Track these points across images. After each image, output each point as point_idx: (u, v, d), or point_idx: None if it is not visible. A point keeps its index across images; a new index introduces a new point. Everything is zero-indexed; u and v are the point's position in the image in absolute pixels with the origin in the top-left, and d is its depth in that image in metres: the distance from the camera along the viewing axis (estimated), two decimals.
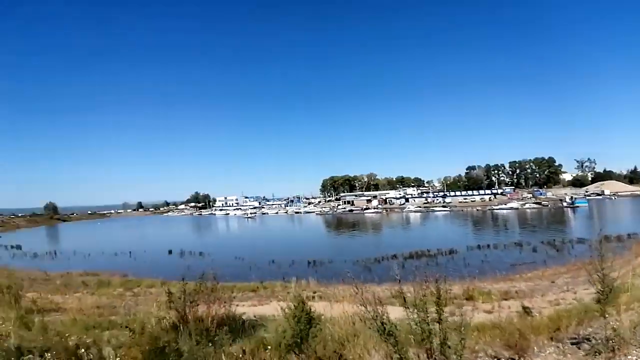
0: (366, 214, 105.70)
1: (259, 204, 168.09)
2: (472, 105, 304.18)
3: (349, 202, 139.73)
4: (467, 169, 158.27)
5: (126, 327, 5.73)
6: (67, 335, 5.49)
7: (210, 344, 4.86)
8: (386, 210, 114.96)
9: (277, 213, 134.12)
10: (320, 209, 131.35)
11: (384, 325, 3.35)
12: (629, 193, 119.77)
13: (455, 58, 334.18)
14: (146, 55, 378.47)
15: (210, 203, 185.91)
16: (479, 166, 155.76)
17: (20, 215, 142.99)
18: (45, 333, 5.45)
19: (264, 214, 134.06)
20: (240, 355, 4.39)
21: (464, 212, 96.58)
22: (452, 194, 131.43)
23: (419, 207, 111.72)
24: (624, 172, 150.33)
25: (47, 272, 26.19)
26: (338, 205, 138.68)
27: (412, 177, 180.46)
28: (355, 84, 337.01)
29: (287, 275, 22.48)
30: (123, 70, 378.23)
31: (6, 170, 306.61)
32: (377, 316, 3.43)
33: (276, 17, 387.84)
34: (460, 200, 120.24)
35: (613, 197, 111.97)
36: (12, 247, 53.79)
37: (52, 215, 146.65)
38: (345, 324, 5.58)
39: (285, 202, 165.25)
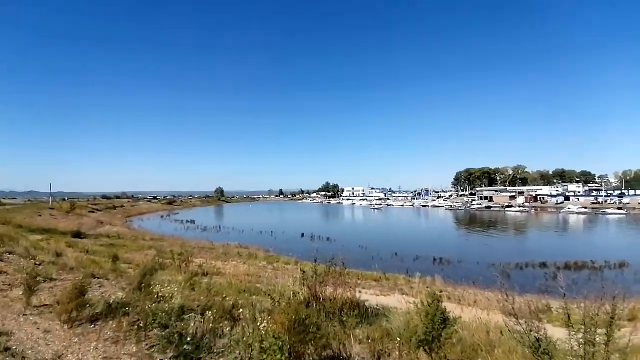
0: (508, 213, 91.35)
1: (385, 196, 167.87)
2: None
3: (486, 198, 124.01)
4: None
5: (269, 295, 6.77)
6: (224, 296, 6.84)
7: (339, 324, 5.23)
8: (535, 210, 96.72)
9: (402, 206, 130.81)
10: (451, 204, 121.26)
11: (539, 342, 2.91)
12: None
13: None
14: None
15: (339, 192, 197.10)
16: None
17: (196, 196, 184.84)
18: (208, 293, 6.87)
19: (389, 205, 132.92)
20: (368, 341, 4.56)
21: None
22: (632, 192, 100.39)
23: (585, 207, 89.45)
24: None
25: (212, 242, 33.14)
26: (472, 200, 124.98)
27: (578, 171, 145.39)
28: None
29: (410, 269, 21.89)
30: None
31: (189, 163, 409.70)
32: (530, 330, 3.02)
33: None
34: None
35: None
36: (187, 221, 65.63)
37: (219, 197, 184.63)
38: (478, 330, 5.09)
39: (412, 194, 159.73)
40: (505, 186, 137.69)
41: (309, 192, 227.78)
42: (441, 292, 14.64)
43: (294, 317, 3.74)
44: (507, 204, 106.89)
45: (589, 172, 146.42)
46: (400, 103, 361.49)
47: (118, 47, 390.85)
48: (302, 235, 45.71)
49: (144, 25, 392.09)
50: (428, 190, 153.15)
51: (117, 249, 19.63)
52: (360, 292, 7.90)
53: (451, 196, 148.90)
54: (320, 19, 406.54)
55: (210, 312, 4.96)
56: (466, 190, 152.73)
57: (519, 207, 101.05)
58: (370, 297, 11.02)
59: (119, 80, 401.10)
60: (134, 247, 23.96)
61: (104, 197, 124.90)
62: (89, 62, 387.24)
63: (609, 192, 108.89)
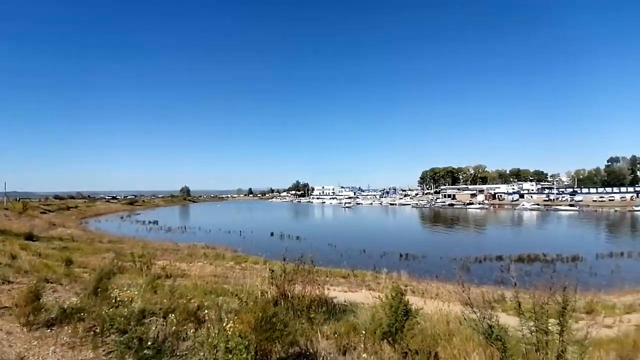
0: (469, 210, 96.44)
1: (354, 194, 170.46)
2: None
3: (449, 196, 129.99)
4: (607, 162, 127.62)
5: (236, 295, 6.65)
6: (189, 298, 6.64)
7: (306, 321, 5.26)
8: (494, 207, 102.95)
9: (371, 204, 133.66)
10: (417, 202, 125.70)
11: (492, 329, 3.10)
12: None
13: None
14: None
15: (309, 191, 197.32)
16: (623, 157, 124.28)
17: (160, 196, 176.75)
18: (171, 296, 6.62)
19: (358, 204, 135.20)
20: (334, 336, 4.63)
21: (597, 213, 79.77)
22: (585, 190, 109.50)
23: (537, 204, 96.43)
24: None
25: (177, 243, 31.90)
26: (437, 198, 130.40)
27: (532, 170, 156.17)
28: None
29: (377, 265, 22.43)
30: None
31: (152, 162, 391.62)
32: (484, 318, 3.20)
33: None
34: (594, 199, 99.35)
35: None
36: (149, 222, 62.00)
37: (185, 196, 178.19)
38: (439, 321, 5.34)
39: (380, 193, 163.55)
40: (467, 184, 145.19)
41: (278, 191, 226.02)
42: (406, 286, 15.18)
43: (260, 315, 3.71)
44: (468, 202, 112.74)
45: (542, 172, 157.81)
46: (369, 104, 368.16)
47: (81, 43, 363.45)
48: (272, 234, 45.32)
49: (121, 23, 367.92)
50: (395, 189, 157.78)
51: (71, 252, 18.32)
52: (328, 289, 8.00)
53: (417, 194, 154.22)
54: (300, 20, 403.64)
55: (173, 315, 4.78)
56: (431, 189, 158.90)
57: (479, 204, 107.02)
58: (338, 293, 11.17)
59: (76, 77, 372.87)
60: (89, 250, 22.48)
61: (57, 197, 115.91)
62: (45, 58, 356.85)
63: (560, 190, 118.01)
